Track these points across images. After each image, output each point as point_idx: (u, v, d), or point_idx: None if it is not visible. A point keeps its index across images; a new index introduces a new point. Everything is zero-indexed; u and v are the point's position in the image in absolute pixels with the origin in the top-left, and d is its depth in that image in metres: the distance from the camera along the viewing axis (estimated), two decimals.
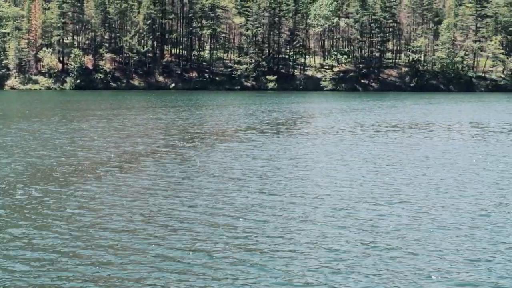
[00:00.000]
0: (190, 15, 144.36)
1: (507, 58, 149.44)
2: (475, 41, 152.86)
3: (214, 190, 25.23)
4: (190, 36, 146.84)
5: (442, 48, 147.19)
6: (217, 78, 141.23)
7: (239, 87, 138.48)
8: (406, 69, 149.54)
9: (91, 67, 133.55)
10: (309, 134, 48.86)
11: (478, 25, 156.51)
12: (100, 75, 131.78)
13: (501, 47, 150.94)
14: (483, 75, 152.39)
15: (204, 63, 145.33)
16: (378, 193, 25.27)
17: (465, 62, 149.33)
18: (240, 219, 20.57)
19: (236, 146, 40.11)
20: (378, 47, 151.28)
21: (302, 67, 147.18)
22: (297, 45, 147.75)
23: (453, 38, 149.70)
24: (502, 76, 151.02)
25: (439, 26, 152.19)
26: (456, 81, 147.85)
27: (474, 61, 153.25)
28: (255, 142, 42.13)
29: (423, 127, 56.19)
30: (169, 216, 20.85)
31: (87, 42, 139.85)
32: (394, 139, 45.90)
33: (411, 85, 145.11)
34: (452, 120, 64.30)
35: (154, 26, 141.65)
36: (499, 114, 72.94)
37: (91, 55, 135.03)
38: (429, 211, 22.23)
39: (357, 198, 24.15)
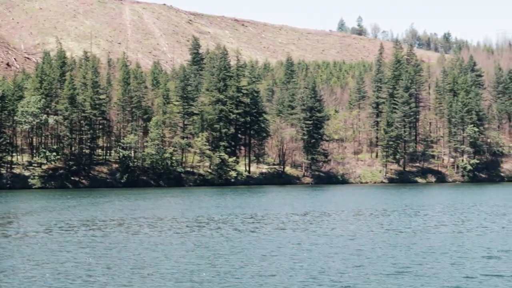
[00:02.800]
0: None
1: (213, 154, 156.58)
2: (183, 138, 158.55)
3: None
4: None
5: (151, 145, 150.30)
6: None
7: None
8: (117, 165, 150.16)
9: None
10: (6, 237, 46.37)
11: (185, 122, 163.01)
12: None
13: (207, 143, 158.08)
14: (191, 170, 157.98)
15: None
16: None
17: (174, 158, 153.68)
18: None
19: None
20: (89, 144, 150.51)
21: (8, 165, 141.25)
22: (4, 142, 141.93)
23: (162, 134, 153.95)
24: (209, 170, 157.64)
25: (148, 123, 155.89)
26: (166, 176, 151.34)
27: (182, 157, 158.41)
28: None
29: (120, 223, 56.12)
30: None
31: None
32: (90, 237, 45.13)
33: (122, 181, 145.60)
34: (151, 215, 65.09)
35: None
36: (201, 209, 75.42)
37: None
38: None
39: None
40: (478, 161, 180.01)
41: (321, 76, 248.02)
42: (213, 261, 33.66)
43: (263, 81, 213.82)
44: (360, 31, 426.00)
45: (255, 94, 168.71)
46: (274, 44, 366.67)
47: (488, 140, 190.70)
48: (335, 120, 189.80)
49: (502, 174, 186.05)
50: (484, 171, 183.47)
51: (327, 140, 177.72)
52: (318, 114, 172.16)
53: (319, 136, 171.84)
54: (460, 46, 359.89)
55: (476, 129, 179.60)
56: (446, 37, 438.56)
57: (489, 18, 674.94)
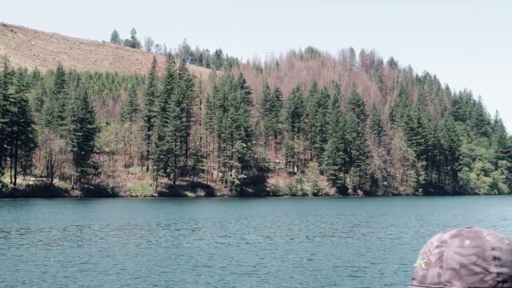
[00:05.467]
0: None
1: None
2: None
3: None
4: None
5: None
6: None
7: None
8: None
9: None
10: None
11: None
12: None
13: None
14: None
15: None
16: None
17: None
18: None
19: None
20: None
21: None
22: None
23: None
24: None
25: None
26: None
27: None
28: None
29: None
30: None
31: None
32: None
33: None
34: None
35: None
36: None
37: None
38: None
39: None
40: (245, 176, 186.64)
41: (93, 87, 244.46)
42: None
43: (32, 90, 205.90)
44: (133, 44, 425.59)
45: (23, 103, 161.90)
46: (45, 52, 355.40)
47: (255, 156, 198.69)
48: (106, 132, 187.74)
49: (267, 189, 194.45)
50: (251, 186, 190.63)
51: (97, 153, 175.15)
52: (89, 126, 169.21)
53: (90, 148, 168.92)
54: (231, 63, 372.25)
55: (244, 145, 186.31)
56: (218, 54, 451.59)
57: (259, 38, 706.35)
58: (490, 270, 2.18)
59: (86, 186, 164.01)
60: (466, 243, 2.22)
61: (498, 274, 2.17)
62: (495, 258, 2.18)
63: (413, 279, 2.31)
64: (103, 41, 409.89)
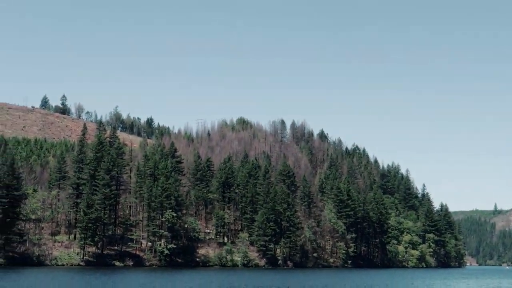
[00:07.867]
0: None
1: None
2: None
3: None
4: None
5: None
6: None
7: None
8: None
9: None
10: None
11: None
12: None
13: None
14: None
15: None
16: None
17: None
18: None
19: None
20: None
21: None
22: None
23: None
24: None
25: None
26: None
27: None
28: None
29: None
30: None
31: None
32: None
33: None
34: None
35: None
36: None
37: None
38: None
39: None
40: (175, 246, 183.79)
41: (20, 153, 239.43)
42: None
43: None
44: (63, 110, 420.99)
45: None
46: None
47: (185, 226, 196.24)
48: (33, 199, 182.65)
49: (197, 260, 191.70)
50: (181, 256, 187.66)
51: (23, 220, 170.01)
52: (15, 193, 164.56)
53: (15, 215, 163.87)
54: (162, 132, 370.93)
55: (174, 214, 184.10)
56: (149, 123, 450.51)
57: (190, 107, 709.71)
58: None
59: (10, 254, 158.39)
60: None
61: None
62: None
63: None
64: (32, 107, 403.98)
